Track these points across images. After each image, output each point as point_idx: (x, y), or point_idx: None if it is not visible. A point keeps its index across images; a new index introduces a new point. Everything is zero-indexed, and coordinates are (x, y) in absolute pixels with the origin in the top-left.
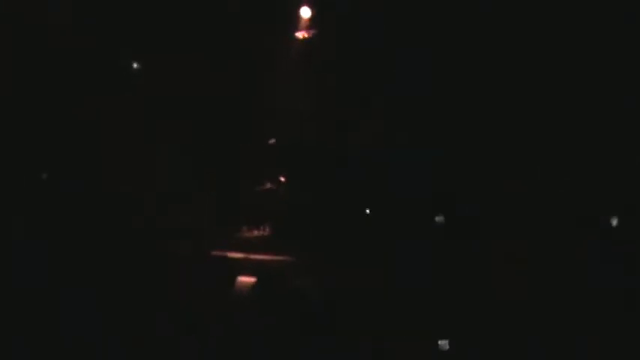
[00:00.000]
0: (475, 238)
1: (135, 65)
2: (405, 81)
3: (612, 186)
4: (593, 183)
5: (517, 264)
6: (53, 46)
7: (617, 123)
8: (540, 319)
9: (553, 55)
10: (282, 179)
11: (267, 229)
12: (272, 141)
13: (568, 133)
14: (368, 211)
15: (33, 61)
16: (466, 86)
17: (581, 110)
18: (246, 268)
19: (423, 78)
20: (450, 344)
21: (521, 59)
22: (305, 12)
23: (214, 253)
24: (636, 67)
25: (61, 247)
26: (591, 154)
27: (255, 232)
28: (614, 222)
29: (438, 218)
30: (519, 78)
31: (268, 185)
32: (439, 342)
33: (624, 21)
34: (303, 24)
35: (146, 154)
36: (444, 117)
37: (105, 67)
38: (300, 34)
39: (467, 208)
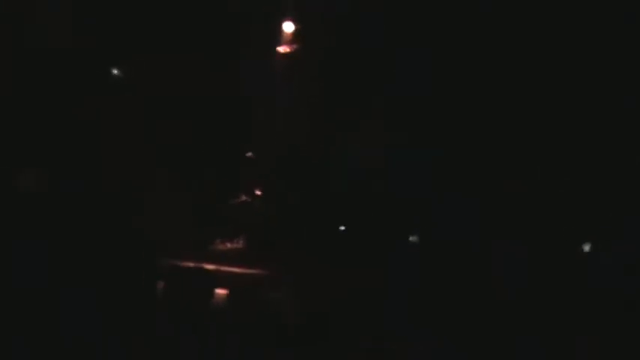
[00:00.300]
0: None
1: (115, 72)
2: (385, 96)
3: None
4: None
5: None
6: (40, 46)
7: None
8: (534, 318)
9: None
10: (258, 192)
11: (242, 242)
12: (249, 154)
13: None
14: (342, 228)
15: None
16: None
17: (569, 111)
18: (219, 280)
19: (403, 94)
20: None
21: (508, 63)
22: (288, 26)
23: (189, 264)
24: (630, 69)
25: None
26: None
27: (229, 245)
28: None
29: (412, 238)
30: (502, 81)
31: (243, 198)
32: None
33: (620, 20)
34: (285, 38)
35: (122, 165)
36: (422, 135)
37: (81, 76)
38: (283, 49)
39: (452, 212)
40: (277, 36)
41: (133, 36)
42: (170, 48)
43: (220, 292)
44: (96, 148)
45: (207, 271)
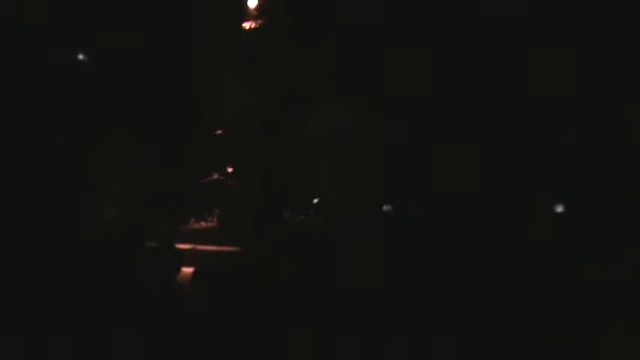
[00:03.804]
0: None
1: (81, 57)
2: (351, 70)
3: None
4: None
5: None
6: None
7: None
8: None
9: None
10: (230, 170)
11: (215, 221)
12: (219, 132)
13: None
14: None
15: None
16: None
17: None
18: (193, 258)
19: (368, 66)
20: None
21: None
22: (252, 1)
23: (162, 243)
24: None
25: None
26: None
27: (203, 224)
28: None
29: (386, 207)
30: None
31: (215, 176)
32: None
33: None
34: (250, 14)
35: (94, 145)
36: (391, 106)
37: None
38: (248, 25)
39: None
40: (242, 12)
41: (97, 11)
42: (136, 25)
43: (187, 270)
44: (64, 125)
45: (175, 249)
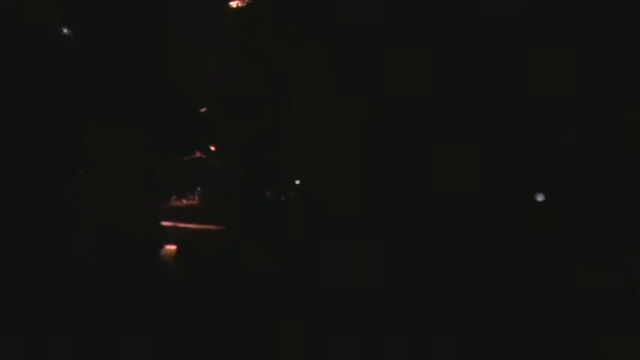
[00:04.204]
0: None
1: (65, 30)
2: (338, 52)
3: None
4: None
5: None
6: None
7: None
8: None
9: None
10: (213, 148)
11: (197, 199)
12: (203, 110)
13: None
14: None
15: None
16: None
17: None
18: (174, 236)
19: (353, 47)
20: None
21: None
22: None
23: (145, 221)
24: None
25: None
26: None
27: (185, 202)
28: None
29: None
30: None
31: (198, 154)
32: None
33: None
34: None
35: (74, 124)
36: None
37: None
38: (234, 3)
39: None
40: None
41: None
42: (122, 6)
43: (170, 247)
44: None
45: (159, 226)
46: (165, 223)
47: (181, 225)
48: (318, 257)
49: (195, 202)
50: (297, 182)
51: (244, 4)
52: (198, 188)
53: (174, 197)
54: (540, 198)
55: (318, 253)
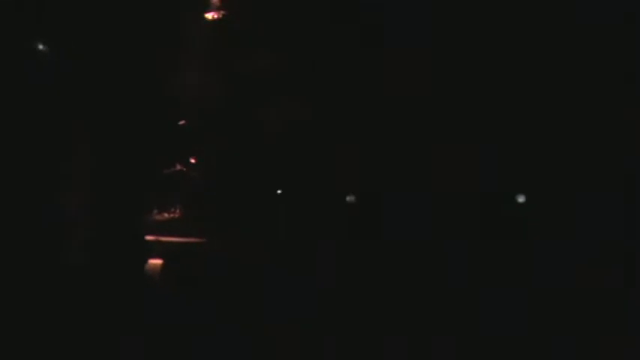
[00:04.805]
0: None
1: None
2: (316, 62)
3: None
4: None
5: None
6: None
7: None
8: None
9: None
10: (193, 161)
11: (178, 212)
12: (182, 122)
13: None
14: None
15: None
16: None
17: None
18: (157, 250)
19: (330, 56)
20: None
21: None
22: None
23: (127, 235)
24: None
25: None
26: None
27: (166, 215)
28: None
29: (349, 198)
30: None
31: (178, 167)
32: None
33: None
34: (213, 4)
35: (51, 137)
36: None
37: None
38: (211, 15)
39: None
40: (206, 2)
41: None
42: (94, 12)
43: (155, 262)
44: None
45: (144, 240)
46: (148, 237)
47: (164, 239)
48: (311, 260)
49: (176, 216)
50: (279, 191)
51: (221, 16)
52: (179, 201)
53: (155, 211)
54: (521, 199)
55: (310, 256)
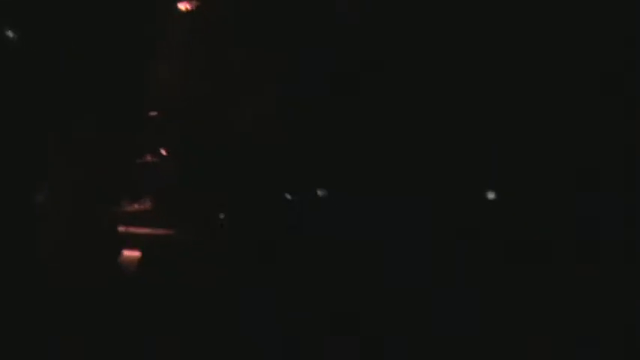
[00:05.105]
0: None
1: (10, 34)
2: (292, 58)
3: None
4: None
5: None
6: None
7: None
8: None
9: None
10: (164, 152)
11: (148, 203)
12: (153, 113)
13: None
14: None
15: None
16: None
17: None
18: (127, 242)
19: (306, 52)
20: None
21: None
22: None
23: (95, 226)
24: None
25: None
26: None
27: (136, 206)
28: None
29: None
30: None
31: (149, 158)
32: None
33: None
34: None
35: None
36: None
37: None
38: (183, 6)
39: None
40: None
41: None
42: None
43: (130, 253)
44: None
45: (117, 232)
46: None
47: (136, 230)
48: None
49: (146, 207)
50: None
51: (193, 7)
52: (149, 193)
53: (125, 202)
54: (491, 196)
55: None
